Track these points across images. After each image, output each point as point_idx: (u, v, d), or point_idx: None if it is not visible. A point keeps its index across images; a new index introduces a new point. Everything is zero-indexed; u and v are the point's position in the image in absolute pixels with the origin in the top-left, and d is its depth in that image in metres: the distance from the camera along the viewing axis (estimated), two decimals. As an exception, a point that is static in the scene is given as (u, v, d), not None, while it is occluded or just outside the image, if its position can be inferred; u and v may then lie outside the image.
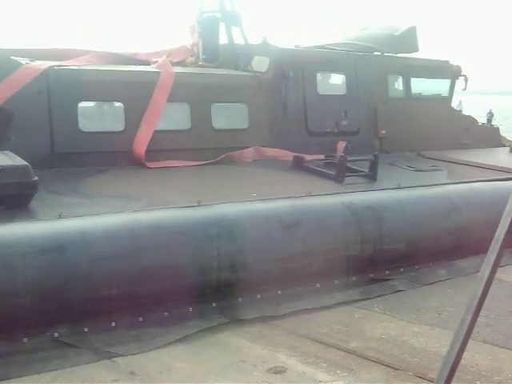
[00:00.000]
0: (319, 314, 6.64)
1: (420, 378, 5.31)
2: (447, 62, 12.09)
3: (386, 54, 11.54)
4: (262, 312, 6.73)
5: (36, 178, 6.57)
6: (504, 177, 9.74)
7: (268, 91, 9.81)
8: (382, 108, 10.96)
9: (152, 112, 8.67)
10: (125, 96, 8.58)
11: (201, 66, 10.07)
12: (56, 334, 5.78)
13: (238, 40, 10.84)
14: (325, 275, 7.37)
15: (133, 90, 8.65)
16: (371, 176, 9.10)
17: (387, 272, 7.92)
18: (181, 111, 9.02)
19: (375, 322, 6.54)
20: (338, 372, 5.37)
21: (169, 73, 9.03)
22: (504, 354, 5.88)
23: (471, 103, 11.35)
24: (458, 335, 3.48)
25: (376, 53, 11.51)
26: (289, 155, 9.54)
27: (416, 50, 11.72)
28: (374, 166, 9.12)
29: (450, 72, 12.02)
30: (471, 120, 12.80)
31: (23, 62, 8.16)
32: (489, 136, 12.86)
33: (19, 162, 6.66)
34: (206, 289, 6.57)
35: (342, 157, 8.88)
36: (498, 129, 13.86)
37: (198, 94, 9.12)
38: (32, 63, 8.24)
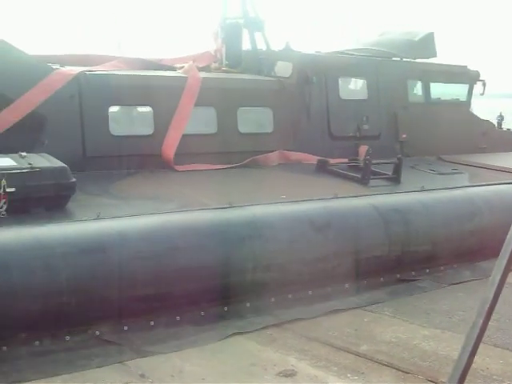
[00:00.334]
0: (329, 318, 6.62)
1: (431, 381, 5.28)
2: (465, 67, 12.16)
3: (404, 59, 11.60)
4: (294, 313, 6.81)
5: (74, 180, 6.65)
6: (524, 180, 9.79)
7: (292, 96, 9.88)
8: (402, 112, 11.03)
9: (180, 116, 8.74)
10: (154, 100, 8.65)
11: (225, 72, 10.14)
12: (97, 333, 5.85)
13: (260, 45, 10.91)
14: (354, 276, 7.44)
15: (161, 95, 8.71)
16: (395, 179, 9.16)
17: (413, 273, 7.99)
18: (207, 115, 9.08)
19: (385, 326, 6.50)
20: (349, 375, 5.34)
21: (196, 78, 9.11)
22: (515, 357, 5.82)
23: (481, 106, 11.35)
24: (469, 339, 3.47)
25: (395, 58, 11.57)
26: (312, 159, 9.61)
27: (434, 55, 11.79)
28: (397, 169, 9.19)
29: (468, 77, 12.08)
30: (489, 124, 12.87)
31: (55, 68, 8.24)
32: (506, 140, 12.90)
33: (57, 163, 6.73)
34: (239, 289, 6.64)
35: (367, 160, 8.94)
36: None
37: (224, 98, 9.19)
38: (63, 68, 8.32)
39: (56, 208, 6.53)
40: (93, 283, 5.79)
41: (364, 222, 7.65)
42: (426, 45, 11.65)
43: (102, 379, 5.06)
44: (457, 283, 7.95)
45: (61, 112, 8.06)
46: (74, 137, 8.12)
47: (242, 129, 9.35)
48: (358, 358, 5.68)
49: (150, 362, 5.41)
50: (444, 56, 12.26)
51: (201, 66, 10.05)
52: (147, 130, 8.66)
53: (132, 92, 8.52)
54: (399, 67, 11.30)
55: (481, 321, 3.48)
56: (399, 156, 9.31)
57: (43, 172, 6.47)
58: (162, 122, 8.67)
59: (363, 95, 10.70)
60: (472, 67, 12.24)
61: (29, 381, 5.19)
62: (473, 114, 12.35)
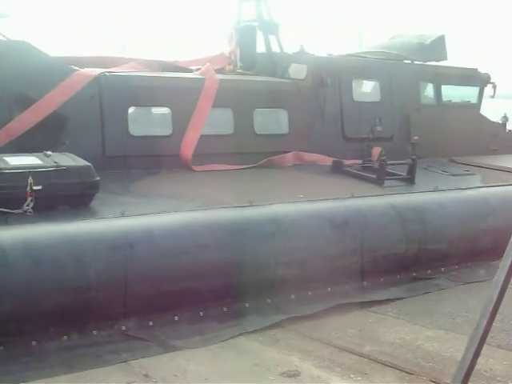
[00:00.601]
0: (333, 319, 6.60)
1: (434, 382, 5.25)
2: (476, 69, 12.20)
3: (415, 62, 11.65)
4: (314, 309, 6.86)
5: (98, 178, 6.70)
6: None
7: (306, 98, 9.93)
8: (414, 114, 11.07)
9: (198, 117, 8.79)
10: (172, 101, 8.71)
11: (240, 74, 10.20)
12: (123, 328, 5.90)
13: (273, 48, 10.96)
14: (371, 273, 7.50)
15: (179, 96, 8.78)
16: (409, 179, 9.21)
17: (429, 271, 8.04)
18: (224, 117, 9.14)
19: (389, 327, 6.48)
20: (352, 376, 5.32)
21: (213, 79, 9.17)
22: (519, 358, 5.80)
23: (485, 107, 11.31)
24: (472, 340, 3.48)
25: (406, 61, 11.63)
26: (327, 160, 9.67)
27: (445, 58, 11.84)
28: (412, 170, 9.24)
29: (479, 79, 12.13)
30: (499, 126, 12.92)
31: (76, 69, 8.30)
32: None
33: (82, 162, 6.79)
34: (261, 285, 6.70)
35: (382, 160, 8.99)
36: None
37: (240, 99, 9.25)
38: (84, 70, 8.38)
39: (80, 206, 6.58)
40: (119, 279, 5.84)
41: (381, 220, 7.72)
42: (437, 48, 11.70)
43: (106, 379, 5.06)
44: (472, 282, 7.97)
45: (81, 112, 8.12)
46: (94, 137, 8.18)
47: (258, 130, 9.41)
48: (361, 359, 5.66)
49: (153, 362, 5.41)
50: (454, 59, 12.32)
51: (215, 68, 10.09)
52: (165, 130, 8.72)
53: (151, 93, 8.58)
54: (411, 69, 11.35)
55: (484, 322, 3.49)
56: (413, 157, 9.35)
57: (69, 170, 6.53)
58: (179, 123, 8.73)
59: (376, 97, 10.75)
60: (482, 70, 12.29)
61: (58, 375, 5.26)
62: (483, 116, 12.39)
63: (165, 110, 8.79)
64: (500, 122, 13.74)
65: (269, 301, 6.75)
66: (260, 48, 10.85)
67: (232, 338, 6.10)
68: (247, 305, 6.61)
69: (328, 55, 10.90)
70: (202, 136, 8.78)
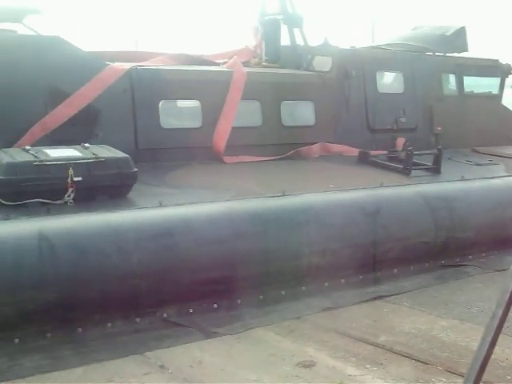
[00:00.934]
0: (348, 309, 6.58)
1: (450, 372, 5.18)
2: (497, 60, 12.16)
3: (437, 53, 11.64)
4: (347, 297, 6.90)
5: (136, 169, 6.75)
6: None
7: (332, 90, 9.93)
8: (437, 105, 11.06)
9: (228, 109, 8.81)
10: (201, 94, 8.74)
11: (265, 67, 10.22)
12: (165, 315, 5.95)
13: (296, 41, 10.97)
14: (402, 261, 7.53)
15: (209, 89, 8.80)
16: (435, 169, 9.22)
17: (457, 259, 8.07)
18: (252, 109, 9.16)
19: (404, 317, 6.43)
20: (368, 366, 5.27)
21: (241, 72, 9.19)
22: (535, 348, 5.75)
23: (506, 97, 11.10)
24: (488, 329, 3.41)
25: (427, 53, 11.61)
26: (353, 151, 9.68)
27: (466, 49, 11.80)
28: (437, 160, 9.24)
29: (500, 70, 12.08)
30: (520, 116, 12.88)
31: (108, 63, 8.34)
32: None
33: (119, 154, 6.84)
34: (297, 273, 6.75)
35: (408, 150, 9.01)
36: None
37: (268, 92, 9.27)
38: (116, 64, 8.42)
39: (119, 196, 6.64)
40: (161, 267, 5.90)
41: (411, 209, 7.76)
42: (458, 39, 11.66)
43: (122, 370, 5.04)
44: (500, 270, 7.96)
45: (114, 106, 8.16)
46: (127, 129, 8.21)
47: (285, 122, 9.42)
48: (376, 349, 5.61)
49: (169, 353, 5.38)
50: (475, 50, 12.28)
51: (241, 61, 10.11)
52: (196, 123, 8.74)
53: (181, 86, 8.61)
54: (433, 61, 11.33)
55: (500, 311, 3.42)
56: (439, 147, 9.36)
57: (107, 162, 6.58)
58: (209, 116, 8.75)
59: (399, 89, 10.74)
60: (503, 60, 12.25)
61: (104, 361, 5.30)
62: (505, 107, 12.36)
63: (195, 103, 8.81)
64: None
65: (303, 288, 6.80)
66: (284, 41, 10.85)
67: (270, 324, 6.14)
68: (283, 292, 6.67)
69: (351, 47, 10.89)
70: (231, 128, 8.80)
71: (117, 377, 4.93)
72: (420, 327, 6.13)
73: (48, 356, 5.25)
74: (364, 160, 9.38)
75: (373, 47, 11.46)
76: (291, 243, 6.71)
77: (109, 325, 5.67)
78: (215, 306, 6.23)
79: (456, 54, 11.80)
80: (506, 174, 9.54)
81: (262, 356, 5.40)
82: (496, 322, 3.45)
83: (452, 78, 11.58)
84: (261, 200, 6.94)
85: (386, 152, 9.71)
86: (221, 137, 8.74)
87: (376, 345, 5.70)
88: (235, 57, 9.69)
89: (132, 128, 8.28)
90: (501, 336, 3.51)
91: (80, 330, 5.53)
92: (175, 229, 6.06)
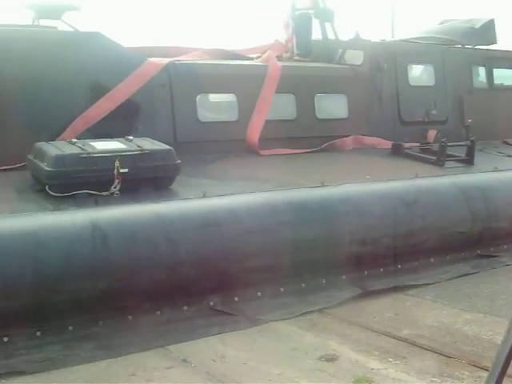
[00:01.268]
0: (370, 302, 6.51)
1: (474, 366, 5.06)
2: (526, 52, 12.10)
3: (466, 46, 11.58)
4: (387, 284, 6.92)
5: (179, 161, 6.78)
6: None
7: (364, 83, 9.93)
8: (467, 98, 11.01)
9: (263, 103, 8.84)
10: (238, 88, 8.77)
11: (297, 61, 10.22)
12: (211, 303, 5.99)
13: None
14: (439, 250, 7.52)
15: (245, 83, 8.83)
16: (469, 160, 9.18)
17: (492, 249, 8.02)
18: (287, 102, 9.18)
19: (427, 310, 6.33)
20: (390, 360, 5.18)
21: (276, 66, 9.21)
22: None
23: None
24: None
25: (457, 45, 11.56)
26: (386, 143, 9.67)
27: (494, 41, 11.75)
28: (471, 151, 9.21)
29: (530, 62, 12.02)
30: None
31: (147, 58, 8.38)
32: None
33: (163, 146, 6.88)
34: (337, 262, 6.76)
35: (442, 142, 8.98)
36: None
37: (302, 85, 9.28)
38: (154, 59, 8.46)
39: (162, 188, 6.68)
40: (208, 256, 5.93)
41: (447, 199, 7.74)
42: (487, 31, 11.60)
43: (144, 364, 5.01)
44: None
45: (153, 100, 8.21)
46: (166, 123, 8.26)
47: (319, 114, 9.42)
48: (399, 343, 5.53)
49: (191, 347, 5.33)
50: (503, 42, 12.20)
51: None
52: (232, 116, 8.78)
53: (218, 80, 8.65)
54: (463, 54, 11.28)
55: None
56: (472, 138, 9.33)
57: (152, 154, 6.61)
58: (245, 109, 8.78)
59: (430, 81, 10.70)
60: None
61: (152, 349, 5.33)
62: (534, 99, 12.27)
63: (231, 97, 8.84)
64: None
65: (344, 277, 6.81)
66: (315, 35, 10.84)
67: (315, 311, 6.19)
68: (324, 281, 6.68)
69: (381, 41, 10.87)
70: (266, 121, 8.82)
71: (140, 371, 4.90)
72: (443, 321, 6.04)
73: (101, 344, 5.30)
74: (397, 152, 9.36)
75: (403, 40, 11.42)
76: (331, 232, 6.72)
77: (158, 313, 5.70)
78: (259, 294, 6.26)
79: (485, 47, 11.75)
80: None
81: (284, 350, 5.35)
82: (521, 314, 3.38)
83: (482, 71, 11.52)
84: (301, 190, 6.96)
85: (418, 144, 9.68)
86: (254, 130, 8.77)
87: (399, 338, 5.61)
88: (269, 51, 9.72)
89: (170, 121, 8.32)
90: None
91: (130, 317, 5.57)
92: (220, 219, 6.09)
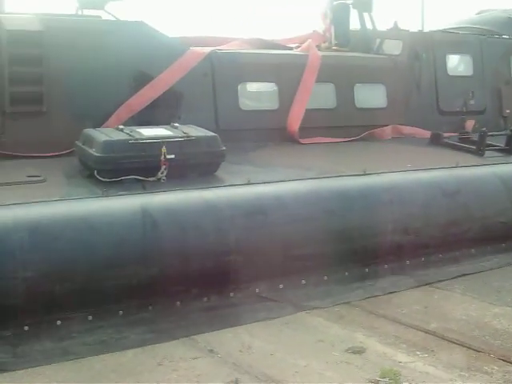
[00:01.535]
0: (398, 295, 6.37)
1: (503, 360, 4.95)
2: None
3: (504, 36, 11.37)
4: (430, 274, 6.84)
5: (224, 148, 6.72)
6: None
7: (403, 72, 9.79)
8: (505, 88, 10.81)
9: (303, 92, 8.74)
10: (278, 77, 8.68)
11: (336, 51, 10.09)
12: (257, 290, 5.96)
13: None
14: (479, 241, 7.42)
15: (285, 72, 8.74)
16: (508, 150, 9.01)
17: (532, 239, 7.88)
18: (327, 91, 9.07)
19: (455, 303, 6.19)
20: (418, 353, 5.07)
21: (316, 55, 9.10)
22: None
23: None
24: None
25: (495, 36, 11.35)
26: (424, 133, 9.53)
27: (533, 32, 11.52)
28: (510, 141, 9.03)
29: None
30: None
31: (189, 47, 8.31)
32: None
33: (208, 133, 6.82)
34: (379, 251, 6.68)
35: (482, 131, 8.82)
36: None
37: (342, 75, 9.17)
38: (196, 48, 8.40)
39: (207, 174, 6.62)
40: (255, 244, 5.88)
41: (488, 189, 7.65)
42: (525, 22, 11.39)
43: (171, 353, 4.94)
44: None
45: (195, 89, 8.14)
46: (208, 111, 8.19)
47: (359, 104, 9.31)
48: (427, 336, 5.41)
49: (218, 338, 5.26)
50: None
51: (312, 45, 9.99)
52: (273, 104, 8.69)
53: (259, 69, 8.56)
54: (501, 44, 11.05)
55: None
56: (511, 128, 9.17)
57: (198, 140, 6.55)
58: (285, 98, 8.69)
59: (468, 71, 10.51)
60: None
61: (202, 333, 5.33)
62: None
63: (272, 86, 8.76)
64: None
65: (386, 266, 6.74)
66: (352, 25, 10.70)
67: (360, 300, 6.14)
68: (367, 270, 6.63)
69: (419, 31, 10.71)
70: (306, 110, 8.72)
71: (166, 361, 4.84)
72: (472, 314, 5.92)
73: (151, 329, 5.29)
74: (436, 141, 9.21)
75: (441, 31, 11.24)
76: (374, 221, 6.65)
77: (205, 299, 5.69)
78: (303, 281, 6.22)
79: (522, 37, 11.52)
80: None
81: (311, 341, 5.25)
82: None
83: (519, 61, 11.29)
84: (346, 179, 6.88)
85: (457, 134, 9.53)
86: (295, 118, 8.67)
87: (427, 331, 5.50)
88: (309, 40, 9.59)
89: (212, 110, 8.26)
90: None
91: (178, 303, 5.55)
92: (267, 206, 6.04)
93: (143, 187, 6.03)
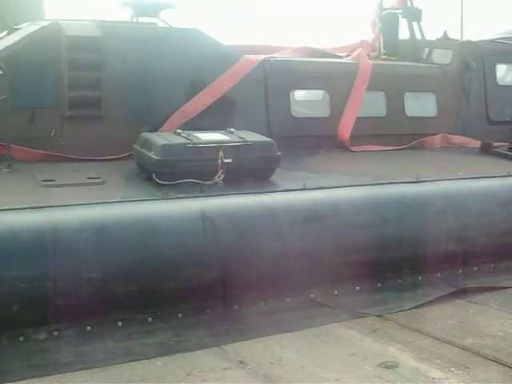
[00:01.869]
0: (432, 308, 6.10)
1: None
2: None
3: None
4: (481, 283, 6.67)
5: (280, 153, 6.66)
6: None
7: (452, 82, 9.65)
8: None
9: (354, 100, 8.66)
10: (330, 85, 8.62)
11: (385, 60, 9.99)
12: (312, 296, 5.85)
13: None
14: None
15: (337, 80, 8.67)
16: (561, 159, 8.81)
17: None
18: (378, 99, 8.97)
19: (491, 319, 5.90)
20: (453, 369, 4.81)
21: (367, 64, 9.01)
22: None
23: None
24: None
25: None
26: (474, 142, 9.38)
27: None
28: (562, 150, 8.85)
29: None
30: None
31: (242, 55, 8.28)
32: None
33: (264, 138, 6.77)
34: (433, 259, 6.53)
35: (535, 141, 8.67)
36: None
37: (392, 83, 9.07)
38: (249, 55, 8.36)
39: (263, 179, 6.57)
40: (312, 249, 5.78)
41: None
42: None
43: (201, 363, 4.79)
44: None
45: (248, 95, 8.11)
46: (260, 118, 8.15)
47: (409, 112, 9.19)
48: (462, 352, 5.14)
49: (248, 349, 5.08)
50: None
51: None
52: (324, 112, 8.62)
53: (311, 77, 8.50)
54: None
55: None
56: None
57: (254, 145, 6.50)
58: (337, 105, 8.62)
59: (518, 81, 10.36)
60: None
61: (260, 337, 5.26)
62: None
63: (323, 93, 8.70)
64: None
65: (439, 274, 6.59)
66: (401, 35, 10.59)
67: (414, 308, 6.01)
68: (420, 278, 6.47)
69: (468, 40, 10.55)
70: (357, 118, 8.65)
71: (196, 371, 4.69)
72: (509, 330, 5.64)
73: (210, 332, 5.23)
74: (487, 151, 9.04)
75: (490, 40, 11.06)
76: (428, 229, 6.49)
77: (262, 303, 5.59)
78: (357, 288, 6.09)
79: None
80: None
81: (343, 354, 5.05)
82: None
83: None
84: (398, 185, 6.75)
85: (506, 143, 9.35)
86: (346, 126, 8.60)
87: (462, 347, 5.23)
88: (360, 49, 9.51)
89: (265, 116, 8.22)
90: None
91: (236, 307, 5.47)
92: (323, 212, 5.93)
93: (201, 190, 5.99)
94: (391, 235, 6.24)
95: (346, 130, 8.54)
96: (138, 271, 5.02)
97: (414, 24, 10.51)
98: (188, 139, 6.34)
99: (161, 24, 8.41)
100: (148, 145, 6.37)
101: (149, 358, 4.81)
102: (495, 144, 9.29)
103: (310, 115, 8.66)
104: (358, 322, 5.71)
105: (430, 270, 6.53)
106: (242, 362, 4.86)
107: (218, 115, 7.81)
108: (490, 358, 5.04)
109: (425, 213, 6.52)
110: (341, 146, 8.52)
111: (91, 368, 4.65)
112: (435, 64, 9.88)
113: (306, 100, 8.88)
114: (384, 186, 6.64)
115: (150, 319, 5.10)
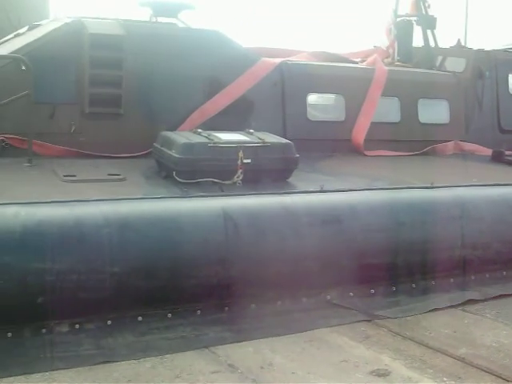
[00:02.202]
0: (426, 317, 5.97)
1: None
2: None
3: None
4: (495, 290, 6.62)
5: (298, 155, 6.66)
6: None
7: (465, 90, 9.66)
8: None
9: (369, 105, 8.67)
10: (346, 89, 8.62)
11: (399, 66, 9.99)
12: (328, 297, 5.83)
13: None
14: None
15: (352, 84, 8.68)
16: None
17: None
18: (392, 105, 8.98)
19: (486, 329, 5.75)
20: (445, 379, 4.69)
21: (382, 69, 9.02)
22: None
23: None
24: None
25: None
26: (485, 150, 9.40)
27: None
28: None
29: None
30: None
31: (261, 57, 8.29)
32: None
33: (282, 139, 6.78)
34: (447, 265, 6.52)
35: (547, 150, 8.66)
36: None
37: (407, 89, 9.08)
38: (267, 58, 8.36)
39: (280, 180, 6.56)
40: (329, 251, 5.77)
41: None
42: None
43: (190, 366, 4.68)
44: None
45: (265, 97, 8.12)
46: (276, 120, 8.15)
47: (422, 119, 9.20)
48: (455, 362, 5.00)
49: (239, 352, 4.97)
50: None
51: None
52: (339, 116, 8.63)
53: (327, 81, 8.51)
54: None
55: None
56: None
57: (273, 146, 6.50)
58: (352, 110, 8.63)
59: (530, 90, 10.34)
60: None
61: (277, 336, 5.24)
62: None
63: (339, 97, 8.70)
64: None
65: (452, 280, 6.57)
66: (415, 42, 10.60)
67: (426, 312, 5.99)
68: (433, 282, 6.45)
69: (482, 49, 10.55)
70: (371, 123, 8.65)
71: (185, 373, 4.59)
72: (503, 341, 5.50)
73: (228, 328, 5.21)
74: (498, 159, 9.06)
75: (503, 50, 11.06)
76: (443, 234, 6.47)
77: (279, 303, 5.58)
78: (372, 291, 6.07)
79: None
80: None
81: (334, 361, 4.92)
82: None
83: None
84: (414, 190, 6.75)
85: (517, 152, 9.36)
86: (360, 131, 8.62)
87: (455, 357, 5.10)
88: (375, 55, 9.51)
89: (281, 119, 8.22)
90: None
91: (253, 305, 5.45)
92: (341, 214, 5.92)
93: (221, 189, 5.99)
94: (406, 239, 6.22)
95: (360, 134, 8.55)
96: (159, 267, 5.01)
97: (429, 32, 10.53)
98: (209, 139, 6.33)
99: (180, 25, 8.42)
100: (169, 143, 6.36)
101: (169, 353, 4.81)
102: (507, 152, 9.31)
103: (326, 119, 8.67)
104: (351, 328, 5.58)
105: (443, 275, 6.50)
106: (231, 366, 4.76)
107: (235, 116, 7.82)
108: (483, 368, 4.92)
109: (439, 218, 6.50)
110: (355, 150, 8.53)
111: (112, 362, 4.64)
112: (449, 72, 9.89)
113: (321, 104, 8.88)
114: (400, 190, 6.63)
115: (169, 315, 5.08)
